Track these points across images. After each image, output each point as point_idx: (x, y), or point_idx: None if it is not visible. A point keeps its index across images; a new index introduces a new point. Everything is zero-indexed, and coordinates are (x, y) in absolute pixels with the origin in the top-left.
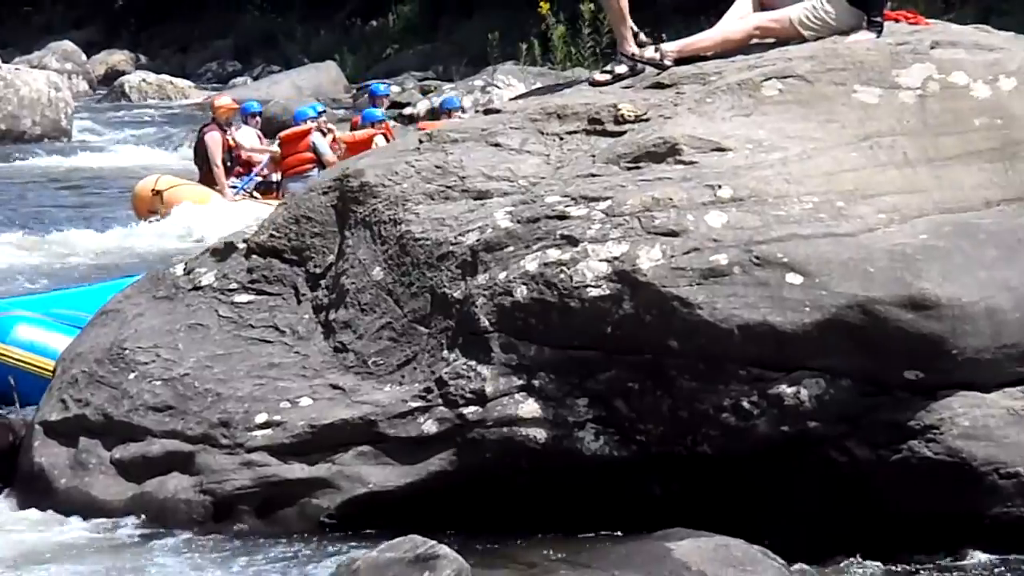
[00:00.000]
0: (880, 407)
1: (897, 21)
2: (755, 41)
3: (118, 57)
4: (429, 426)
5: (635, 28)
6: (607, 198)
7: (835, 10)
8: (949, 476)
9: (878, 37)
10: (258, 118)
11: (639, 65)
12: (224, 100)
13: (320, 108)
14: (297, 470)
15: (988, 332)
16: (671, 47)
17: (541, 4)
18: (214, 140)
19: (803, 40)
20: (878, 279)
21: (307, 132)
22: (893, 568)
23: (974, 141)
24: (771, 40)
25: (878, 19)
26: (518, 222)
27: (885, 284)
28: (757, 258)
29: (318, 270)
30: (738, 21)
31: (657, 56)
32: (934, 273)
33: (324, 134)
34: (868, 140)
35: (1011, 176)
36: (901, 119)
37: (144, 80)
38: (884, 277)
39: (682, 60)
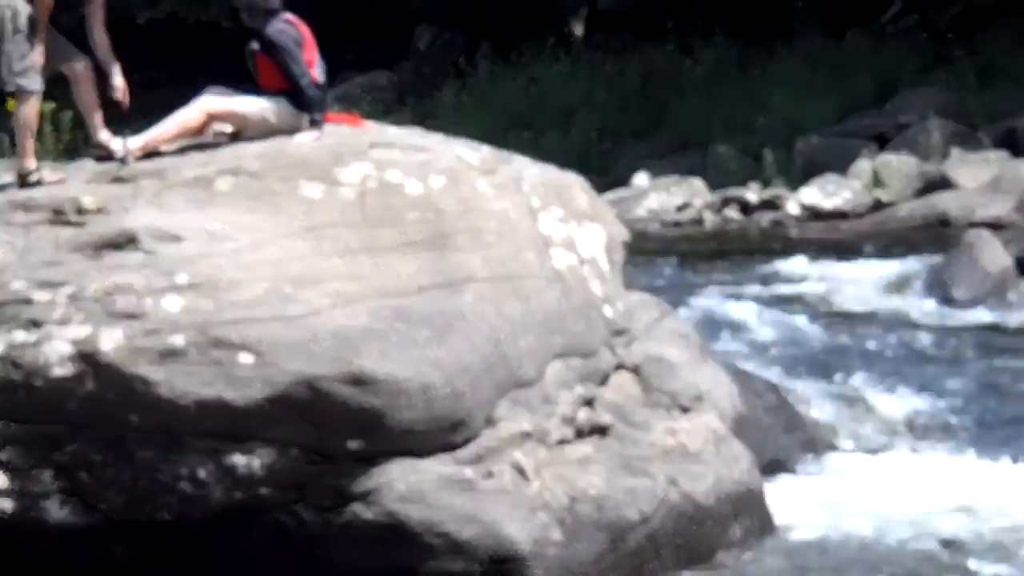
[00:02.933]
0: (326, 474)
1: (340, 124)
2: (215, 132)
3: None
4: None
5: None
6: (71, 283)
7: (279, 109)
8: (389, 536)
9: (320, 137)
10: None
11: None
12: None
13: None
14: None
15: (421, 405)
16: (135, 143)
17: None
18: None
19: (251, 133)
20: (323, 358)
21: None
22: None
23: (408, 233)
24: (226, 139)
25: (319, 119)
26: None
27: (329, 362)
28: (212, 339)
29: None
30: (190, 107)
31: (121, 151)
32: (373, 352)
33: None
34: (313, 231)
35: (440, 264)
36: (343, 212)
37: None
38: (328, 356)
39: (146, 155)
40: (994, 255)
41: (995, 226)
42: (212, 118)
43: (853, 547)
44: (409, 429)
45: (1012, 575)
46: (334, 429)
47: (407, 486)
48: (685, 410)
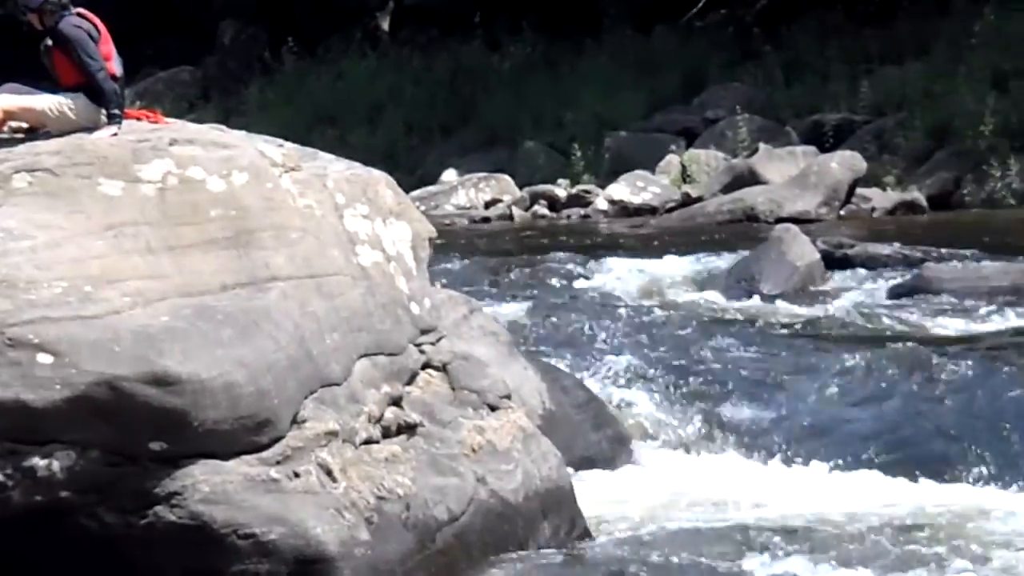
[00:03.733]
0: (128, 476)
1: (139, 120)
2: (11, 129)
3: None
4: None
5: None
6: None
7: (76, 104)
8: (194, 538)
9: (119, 132)
10: None
11: None
12: None
13: None
14: None
15: (225, 405)
16: None
17: None
18: None
19: (49, 129)
20: (124, 358)
21: None
22: None
23: (210, 231)
24: (22, 136)
25: (117, 114)
26: None
27: (130, 362)
28: (9, 340)
29: None
30: None
31: None
32: (176, 352)
33: None
34: (113, 229)
35: (244, 262)
36: (143, 210)
37: None
38: (129, 356)
39: None
40: (801, 249)
41: (802, 220)
42: (8, 116)
43: (660, 542)
44: (213, 429)
45: (807, 566)
46: (136, 430)
47: (211, 487)
48: (493, 408)
